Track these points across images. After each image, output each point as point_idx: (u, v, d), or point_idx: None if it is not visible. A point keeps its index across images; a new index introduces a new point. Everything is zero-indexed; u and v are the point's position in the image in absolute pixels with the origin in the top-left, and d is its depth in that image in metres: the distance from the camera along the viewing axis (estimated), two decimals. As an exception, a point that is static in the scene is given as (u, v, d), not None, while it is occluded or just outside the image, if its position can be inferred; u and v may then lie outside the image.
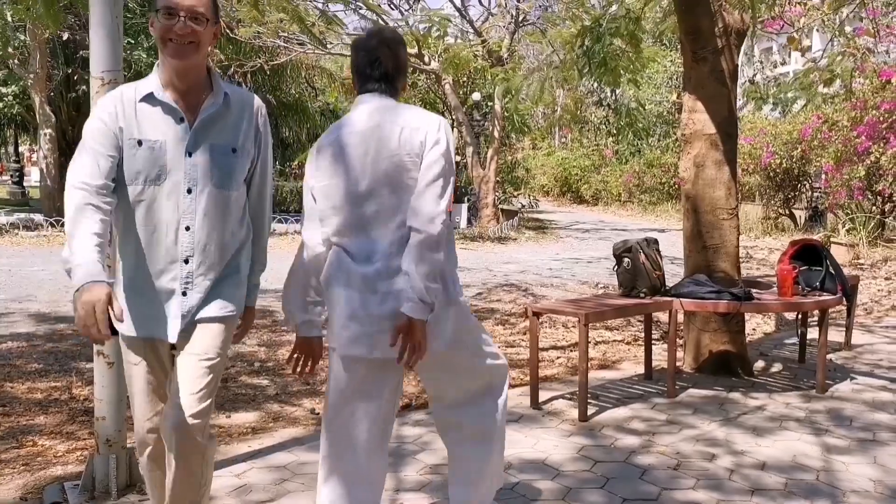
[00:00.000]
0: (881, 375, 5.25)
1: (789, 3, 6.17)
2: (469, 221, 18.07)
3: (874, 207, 13.72)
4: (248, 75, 19.81)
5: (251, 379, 5.06)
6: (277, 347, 5.92)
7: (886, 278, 10.04)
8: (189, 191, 2.23)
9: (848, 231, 13.24)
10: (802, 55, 9.19)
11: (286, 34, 14.23)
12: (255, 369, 5.29)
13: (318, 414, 4.34)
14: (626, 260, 4.67)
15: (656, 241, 4.84)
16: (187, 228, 2.25)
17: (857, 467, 3.56)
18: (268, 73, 19.29)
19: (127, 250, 2.27)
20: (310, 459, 3.58)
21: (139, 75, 15.38)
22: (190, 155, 2.22)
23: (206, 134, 2.25)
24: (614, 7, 8.58)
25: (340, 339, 2.34)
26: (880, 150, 12.26)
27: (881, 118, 12.37)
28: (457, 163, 22.87)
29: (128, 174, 2.19)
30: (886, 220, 13.40)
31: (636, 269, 4.64)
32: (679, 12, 4.96)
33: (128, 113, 2.19)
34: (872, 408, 4.48)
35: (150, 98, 2.22)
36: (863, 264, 11.18)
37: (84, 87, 16.61)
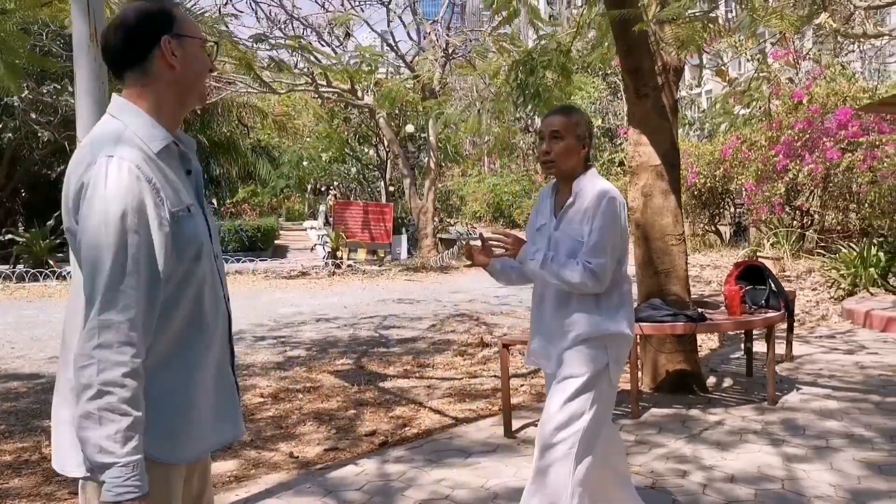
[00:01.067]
0: (824, 384, 5.60)
1: (717, 38, 6.59)
2: (409, 252, 18.21)
3: (794, 222, 14.45)
4: (178, 115, 19.64)
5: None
6: (243, 393, 5.92)
7: (812, 289, 10.58)
8: (216, 255, 1.79)
9: (772, 245, 13.90)
10: (730, 86, 9.72)
11: (218, 74, 14.21)
12: (225, 416, 5.28)
13: (298, 458, 4.40)
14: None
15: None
16: (226, 298, 1.81)
17: (817, 474, 3.82)
18: (198, 112, 19.15)
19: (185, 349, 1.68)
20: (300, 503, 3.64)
21: (67, 121, 15.02)
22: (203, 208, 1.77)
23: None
24: (544, 41, 8.93)
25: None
26: (797, 167, 12.94)
27: (796, 137, 13.08)
28: (393, 193, 23.09)
29: (179, 253, 1.63)
30: (806, 233, 14.12)
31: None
32: (621, 52, 5.27)
33: (159, 179, 1.62)
34: (822, 416, 4.79)
35: (166, 150, 1.68)
36: (789, 276, 11.75)
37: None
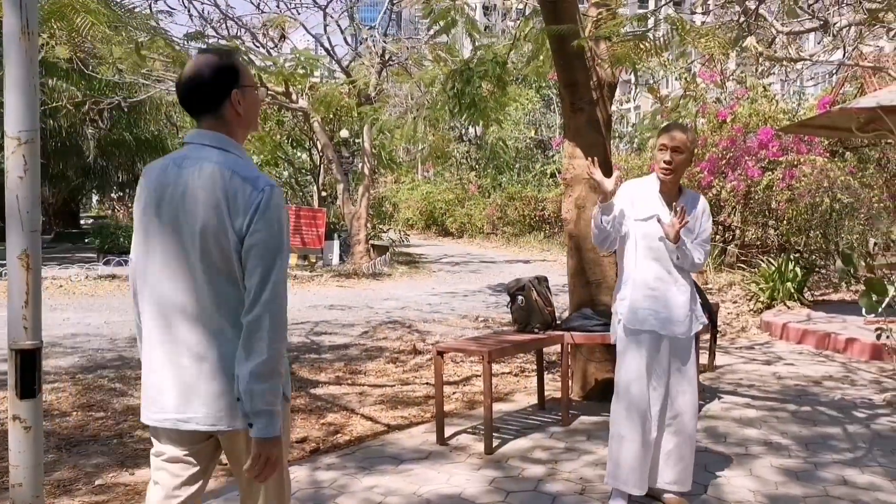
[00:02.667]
0: (744, 394, 5.81)
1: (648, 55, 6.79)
2: (341, 258, 18.09)
3: (717, 236, 14.96)
4: (104, 112, 19.05)
5: (147, 433, 4.91)
6: (169, 398, 5.77)
7: (733, 301, 10.97)
8: None
9: (696, 258, 14.35)
10: (661, 104, 10.01)
11: (147, 71, 13.86)
12: (150, 422, 5.14)
13: (226, 464, 4.31)
14: (520, 297, 4.97)
15: (546, 279, 5.17)
16: None
17: (738, 480, 3.97)
18: (125, 110, 18.62)
19: None
20: (230, 512, 3.57)
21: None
22: None
23: None
24: (481, 52, 9.03)
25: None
26: (721, 183, 13.41)
27: (720, 155, 13.55)
28: (326, 198, 22.89)
29: None
30: (728, 247, 14.62)
31: (529, 306, 4.94)
32: (558, 67, 5.37)
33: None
34: (742, 424, 4.97)
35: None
36: (711, 289, 12.15)
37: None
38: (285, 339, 2.08)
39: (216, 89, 2.12)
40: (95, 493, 3.90)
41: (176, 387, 2.11)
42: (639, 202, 3.60)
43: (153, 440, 2.27)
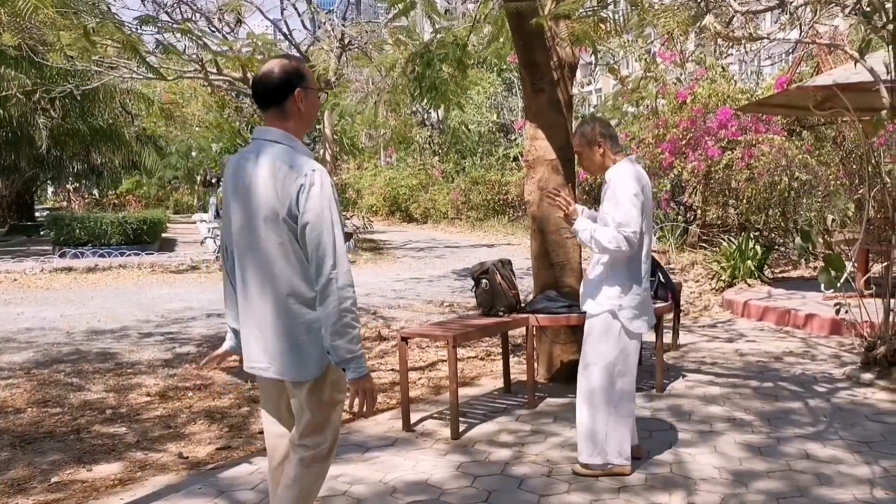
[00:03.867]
0: (707, 371, 5.86)
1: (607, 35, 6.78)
2: (304, 246, 17.89)
3: (678, 217, 15.08)
4: (56, 101, 18.54)
5: (105, 428, 4.80)
6: (127, 392, 5.65)
7: (695, 281, 11.08)
8: None
9: (659, 239, 14.47)
10: (622, 84, 10.01)
11: (100, 58, 13.49)
12: (108, 417, 5.02)
13: (188, 458, 4.22)
14: (484, 281, 4.92)
15: (510, 262, 5.14)
16: None
17: (702, 457, 3.99)
18: (78, 98, 18.14)
19: None
20: (192, 506, 3.50)
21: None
22: None
23: None
24: (441, 34, 8.94)
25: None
26: (681, 164, 13.51)
27: (680, 136, 13.64)
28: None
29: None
30: (690, 227, 14.76)
31: (494, 290, 4.91)
32: (518, 47, 5.32)
33: None
34: (706, 402, 5.01)
35: None
36: (674, 269, 12.26)
37: None
38: (353, 298, 2.44)
39: (283, 87, 2.50)
40: (51, 490, 3.79)
41: (258, 343, 2.56)
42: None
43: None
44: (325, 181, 2.43)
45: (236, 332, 2.74)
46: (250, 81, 15.66)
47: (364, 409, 2.53)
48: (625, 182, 3.57)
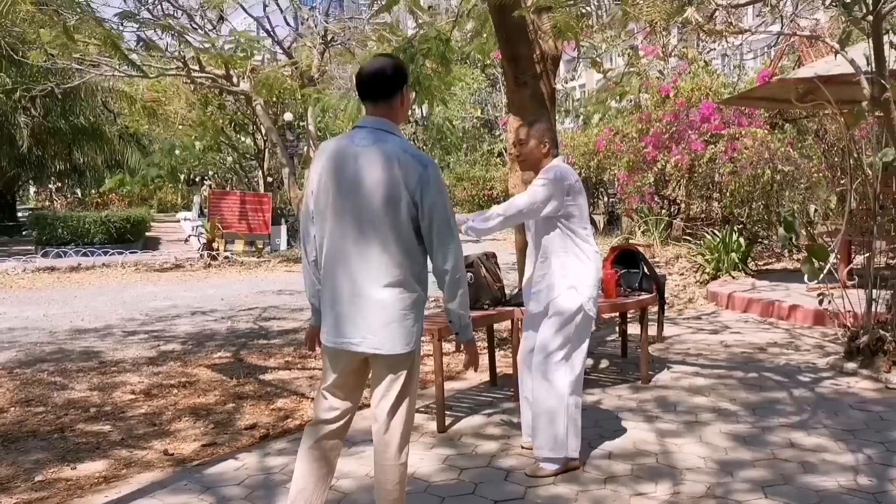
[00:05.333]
0: (692, 363, 5.89)
1: (590, 30, 6.79)
2: (289, 243, 17.84)
3: (663, 210, 15.16)
4: (37, 99, 18.36)
5: (90, 426, 4.76)
6: (112, 390, 5.60)
7: (680, 274, 11.14)
8: None
9: (643, 233, 14.53)
10: (604, 76, 10.04)
11: (81, 56, 13.37)
12: (92, 415, 4.98)
13: (173, 454, 4.20)
14: (469, 274, 4.91)
15: (494, 255, 5.13)
16: None
17: (688, 447, 4.01)
18: (59, 97, 17.97)
19: None
20: (176, 502, 3.47)
21: None
22: None
23: None
24: (424, 29, 8.93)
25: None
26: (665, 158, 13.57)
27: (664, 130, 13.70)
28: (272, 183, 22.52)
29: None
30: (674, 221, 14.84)
31: (478, 283, 4.90)
32: (501, 41, 5.32)
33: None
34: (691, 393, 5.03)
35: None
36: (658, 262, 12.32)
37: None
38: (465, 274, 2.76)
39: (395, 83, 2.72)
40: (35, 489, 3.75)
41: (350, 320, 2.70)
42: None
43: None
44: (439, 171, 2.70)
45: (317, 311, 2.88)
46: (233, 79, 15.62)
47: (471, 366, 2.87)
48: (547, 174, 3.70)
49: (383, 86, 2.72)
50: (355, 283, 2.67)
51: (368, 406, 2.87)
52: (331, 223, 2.69)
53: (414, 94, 8.94)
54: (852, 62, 5.21)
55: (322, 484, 2.84)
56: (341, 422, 2.87)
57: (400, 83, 2.74)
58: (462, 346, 2.89)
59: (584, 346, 3.73)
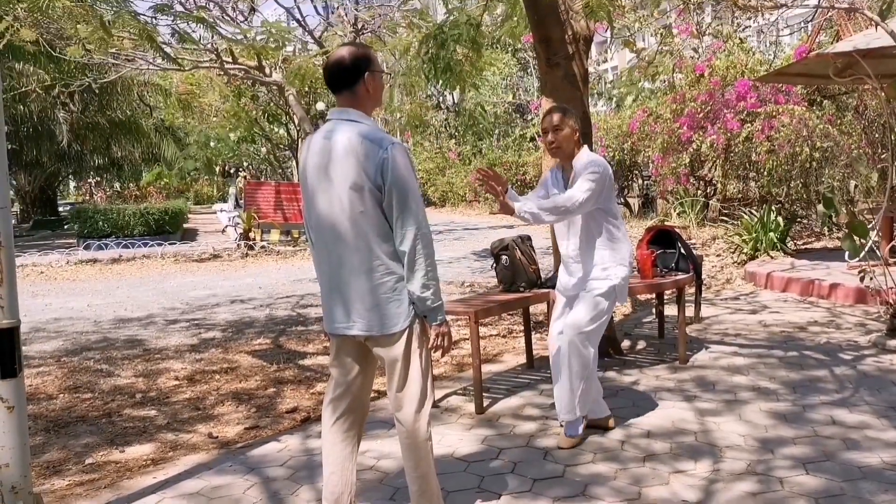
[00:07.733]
0: (731, 343, 5.84)
1: (623, 10, 6.73)
2: (324, 232, 17.95)
3: (698, 192, 14.97)
4: (75, 95, 18.71)
5: (136, 411, 4.89)
6: (156, 376, 5.73)
7: (717, 255, 11.02)
8: None
9: (679, 214, 14.38)
10: (637, 56, 9.93)
11: (116, 51, 13.58)
12: (138, 401, 5.11)
13: (217, 437, 4.30)
14: (504, 257, 4.94)
15: (529, 238, 5.14)
16: None
17: (728, 425, 3.99)
18: (96, 92, 18.30)
19: None
20: (222, 483, 3.56)
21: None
22: None
23: None
24: (454, 15, 8.91)
25: None
26: (700, 138, 13.40)
27: (698, 109, 13.52)
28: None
29: None
30: (710, 202, 14.66)
31: (514, 266, 4.92)
32: (532, 23, 5.29)
33: None
34: (730, 372, 5.00)
35: None
36: (695, 244, 12.20)
37: None
38: (434, 256, 2.70)
39: (355, 71, 2.72)
40: (86, 471, 3.87)
41: (341, 306, 2.78)
42: (551, 185, 3.94)
43: None
44: (404, 153, 2.66)
45: None
46: (265, 69, 15.73)
47: (441, 350, 2.80)
48: (594, 167, 3.68)
49: (343, 75, 2.73)
50: (337, 272, 2.75)
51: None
52: (314, 215, 2.78)
53: (437, 79, 8.96)
54: (892, 34, 5.10)
55: (348, 463, 2.91)
56: (348, 400, 2.91)
57: (361, 70, 2.72)
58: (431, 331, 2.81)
59: (607, 318, 3.91)
